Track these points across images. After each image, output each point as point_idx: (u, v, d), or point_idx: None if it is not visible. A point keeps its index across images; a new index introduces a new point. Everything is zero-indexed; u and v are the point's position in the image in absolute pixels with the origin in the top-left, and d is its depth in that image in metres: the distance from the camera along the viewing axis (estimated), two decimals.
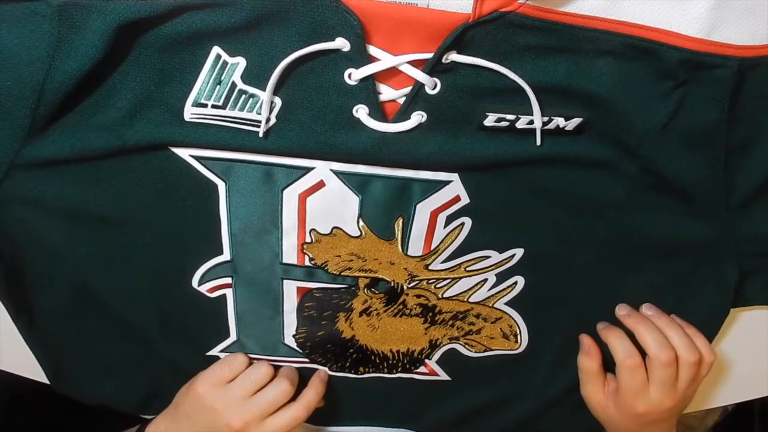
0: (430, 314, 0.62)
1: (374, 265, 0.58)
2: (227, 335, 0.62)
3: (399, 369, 0.65)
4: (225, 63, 0.48)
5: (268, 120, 0.50)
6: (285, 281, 0.59)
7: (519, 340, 0.63)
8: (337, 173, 0.54)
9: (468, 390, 0.67)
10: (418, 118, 0.50)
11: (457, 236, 0.57)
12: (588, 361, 0.63)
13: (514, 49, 0.47)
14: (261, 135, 0.51)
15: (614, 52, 0.48)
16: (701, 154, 0.52)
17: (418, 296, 0.61)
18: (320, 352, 0.63)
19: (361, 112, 0.50)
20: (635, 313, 0.62)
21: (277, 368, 0.63)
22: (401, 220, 0.56)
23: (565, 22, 0.47)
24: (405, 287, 0.60)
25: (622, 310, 0.62)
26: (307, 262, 0.58)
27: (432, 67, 0.48)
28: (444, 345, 0.64)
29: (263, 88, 0.48)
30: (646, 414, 0.60)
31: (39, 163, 0.51)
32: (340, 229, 0.56)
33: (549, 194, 0.55)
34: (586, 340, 0.63)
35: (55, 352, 0.63)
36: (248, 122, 0.50)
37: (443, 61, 0.47)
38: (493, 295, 0.61)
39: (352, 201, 0.55)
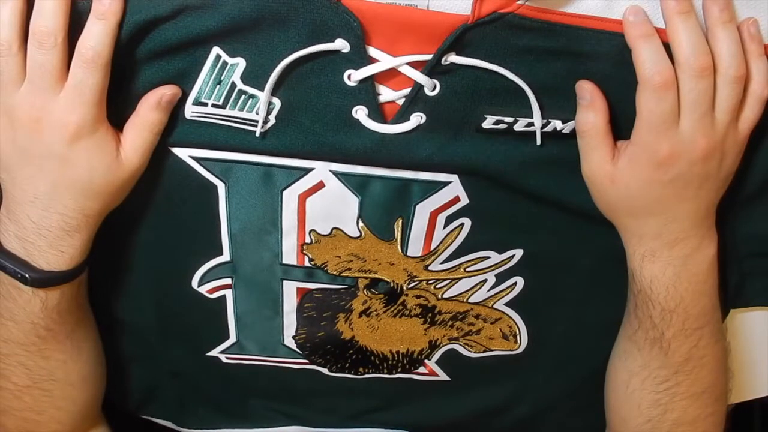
0: (430, 315, 0.62)
1: (374, 266, 0.58)
2: (227, 336, 0.62)
3: (398, 369, 0.65)
4: (225, 63, 0.48)
5: (267, 121, 0.50)
6: (284, 282, 0.59)
7: (518, 341, 0.63)
8: (336, 174, 0.54)
9: (467, 390, 0.67)
10: (417, 119, 0.50)
11: (456, 237, 0.57)
12: (592, 115, 0.49)
13: (513, 51, 0.47)
14: (258, 135, 0.51)
15: (613, 52, 0.48)
16: None
17: (418, 297, 0.61)
18: (320, 353, 0.63)
19: (360, 113, 0.50)
20: (677, 6, 0.46)
21: None
22: (401, 221, 0.56)
23: (563, 22, 0.47)
24: (405, 288, 0.60)
25: None
26: (306, 263, 0.58)
27: (431, 69, 0.48)
28: (443, 345, 0.64)
29: (263, 89, 0.48)
30: (671, 158, 0.48)
31: None
32: (340, 229, 0.56)
33: (547, 196, 0.55)
34: (587, 87, 0.49)
35: None
36: (248, 122, 0.50)
37: (442, 62, 0.47)
38: (492, 296, 0.61)
39: (352, 202, 0.55)
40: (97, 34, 0.44)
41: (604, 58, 0.48)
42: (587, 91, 0.49)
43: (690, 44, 0.46)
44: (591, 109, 0.49)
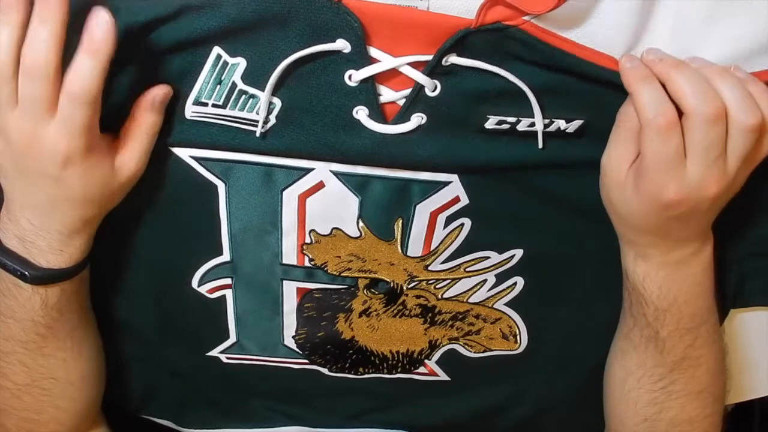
0: (430, 315, 0.62)
1: (374, 266, 0.58)
2: (227, 336, 0.62)
3: (398, 369, 0.65)
4: (225, 63, 0.48)
5: (267, 121, 0.50)
6: (285, 282, 0.59)
7: (518, 341, 0.64)
8: (336, 174, 0.54)
9: (467, 390, 0.67)
10: (417, 119, 0.50)
11: (456, 237, 0.57)
12: (633, 112, 0.47)
13: (513, 56, 0.47)
14: (258, 135, 0.51)
15: (611, 85, 0.48)
16: None
17: (418, 297, 0.61)
18: (320, 353, 0.63)
19: (361, 113, 0.50)
20: (669, 57, 0.46)
21: None
22: (401, 221, 0.56)
23: (563, 49, 0.47)
24: (405, 288, 0.60)
25: (650, 55, 0.46)
26: (306, 263, 0.58)
27: (432, 69, 0.48)
28: (443, 345, 0.64)
29: (263, 89, 0.48)
30: (678, 203, 0.46)
31: None
32: (340, 229, 0.56)
33: (549, 196, 0.55)
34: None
35: None
36: (248, 122, 0.50)
37: (443, 63, 0.47)
38: (492, 296, 0.61)
39: (352, 202, 0.55)
40: (86, 71, 0.43)
41: (602, 88, 0.49)
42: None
43: (696, 92, 0.44)
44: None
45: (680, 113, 0.46)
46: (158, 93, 0.48)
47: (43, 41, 0.42)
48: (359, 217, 0.56)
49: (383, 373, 0.65)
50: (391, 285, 0.60)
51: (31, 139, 0.45)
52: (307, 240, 0.57)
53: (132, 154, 0.49)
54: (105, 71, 0.44)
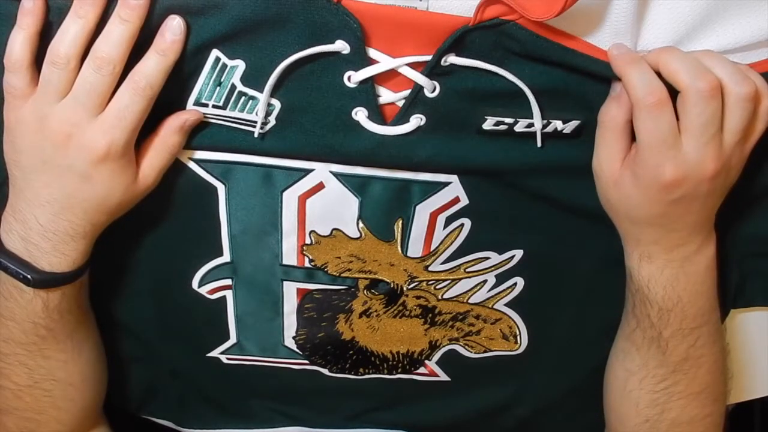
0: (430, 315, 0.62)
1: (374, 267, 0.59)
2: (227, 337, 0.62)
3: (399, 370, 0.65)
4: (224, 65, 0.48)
5: (267, 122, 0.50)
6: (285, 282, 0.59)
7: (519, 341, 0.64)
8: (336, 175, 0.54)
9: (468, 391, 0.67)
10: (416, 121, 0.50)
11: (456, 237, 0.57)
12: (615, 108, 0.48)
13: (512, 54, 0.47)
14: (256, 136, 0.51)
15: (608, 78, 0.48)
16: None
17: (418, 297, 0.61)
18: (320, 353, 0.63)
19: (360, 114, 0.50)
20: (658, 48, 0.47)
21: None
22: (401, 222, 0.56)
23: (561, 43, 0.47)
24: (405, 288, 0.60)
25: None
26: (306, 264, 0.58)
27: (431, 70, 0.48)
28: (444, 346, 0.64)
29: (263, 91, 0.48)
30: (677, 183, 0.47)
31: None
32: (340, 230, 0.56)
33: (548, 197, 0.55)
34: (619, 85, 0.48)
35: None
36: (248, 123, 0.50)
37: (442, 63, 0.47)
38: (492, 296, 0.61)
39: (352, 202, 0.55)
40: (154, 67, 0.46)
41: (599, 81, 0.49)
42: (618, 84, 0.48)
43: (689, 69, 0.45)
44: (616, 102, 0.48)
45: (674, 99, 0.46)
46: (189, 118, 0.49)
47: (118, 36, 0.45)
48: (359, 217, 0.56)
49: (383, 374, 0.65)
50: (391, 285, 0.60)
51: (71, 132, 0.46)
52: (307, 241, 0.57)
53: (152, 168, 0.50)
54: (168, 72, 0.46)
